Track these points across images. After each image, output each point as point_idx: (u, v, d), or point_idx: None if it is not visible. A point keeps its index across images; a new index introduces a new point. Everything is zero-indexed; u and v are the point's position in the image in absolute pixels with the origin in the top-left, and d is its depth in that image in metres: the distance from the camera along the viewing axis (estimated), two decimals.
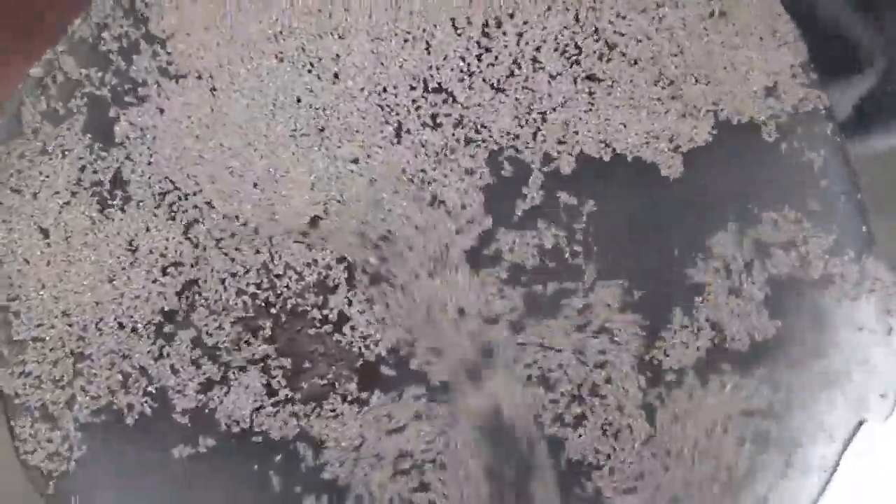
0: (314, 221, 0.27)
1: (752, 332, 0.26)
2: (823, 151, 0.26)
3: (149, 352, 0.26)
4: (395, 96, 0.28)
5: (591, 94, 0.28)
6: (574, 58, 0.28)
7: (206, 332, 0.26)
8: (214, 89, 0.29)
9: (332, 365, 0.26)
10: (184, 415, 0.26)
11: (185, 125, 0.28)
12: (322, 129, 0.28)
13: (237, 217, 0.27)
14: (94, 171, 0.27)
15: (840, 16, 0.27)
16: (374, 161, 0.28)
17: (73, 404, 0.26)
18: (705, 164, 0.27)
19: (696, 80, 0.27)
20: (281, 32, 0.29)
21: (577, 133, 0.28)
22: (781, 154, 0.27)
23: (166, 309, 0.26)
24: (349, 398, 0.26)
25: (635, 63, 0.28)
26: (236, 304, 0.27)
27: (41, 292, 0.26)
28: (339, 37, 0.28)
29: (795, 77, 0.27)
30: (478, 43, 0.28)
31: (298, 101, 0.28)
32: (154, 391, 0.26)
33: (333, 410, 0.26)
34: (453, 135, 0.28)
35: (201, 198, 0.28)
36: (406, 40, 0.28)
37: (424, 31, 0.28)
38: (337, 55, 0.28)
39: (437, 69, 0.28)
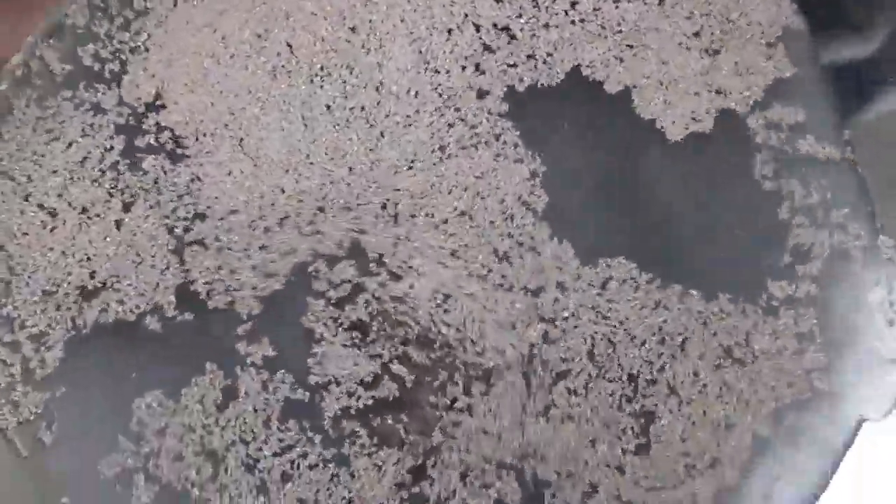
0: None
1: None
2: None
3: (264, 286, 0.23)
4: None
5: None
6: None
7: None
8: (241, 139, 0.24)
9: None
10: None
11: (229, 184, 0.24)
12: (371, 125, 0.24)
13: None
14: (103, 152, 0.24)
15: None
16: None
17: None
18: None
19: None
20: (282, 67, 0.24)
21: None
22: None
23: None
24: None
25: None
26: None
27: (48, 255, 0.24)
28: (378, 48, 0.24)
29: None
30: None
31: (328, 107, 0.24)
32: None
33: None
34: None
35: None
36: (450, 30, 0.25)
37: (467, 15, 0.25)
38: (378, 64, 0.24)
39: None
